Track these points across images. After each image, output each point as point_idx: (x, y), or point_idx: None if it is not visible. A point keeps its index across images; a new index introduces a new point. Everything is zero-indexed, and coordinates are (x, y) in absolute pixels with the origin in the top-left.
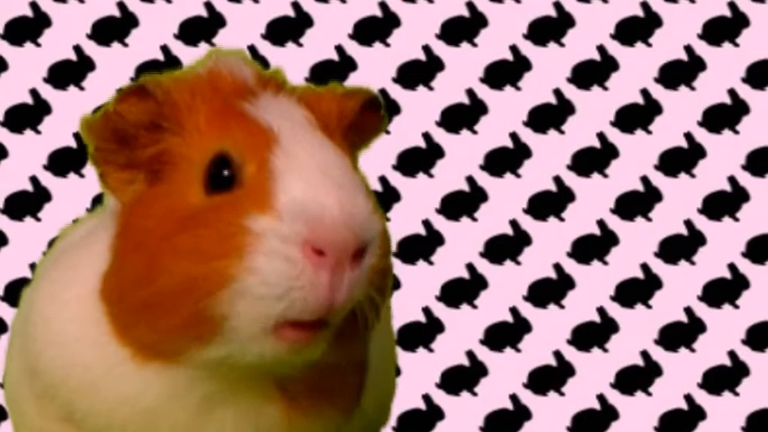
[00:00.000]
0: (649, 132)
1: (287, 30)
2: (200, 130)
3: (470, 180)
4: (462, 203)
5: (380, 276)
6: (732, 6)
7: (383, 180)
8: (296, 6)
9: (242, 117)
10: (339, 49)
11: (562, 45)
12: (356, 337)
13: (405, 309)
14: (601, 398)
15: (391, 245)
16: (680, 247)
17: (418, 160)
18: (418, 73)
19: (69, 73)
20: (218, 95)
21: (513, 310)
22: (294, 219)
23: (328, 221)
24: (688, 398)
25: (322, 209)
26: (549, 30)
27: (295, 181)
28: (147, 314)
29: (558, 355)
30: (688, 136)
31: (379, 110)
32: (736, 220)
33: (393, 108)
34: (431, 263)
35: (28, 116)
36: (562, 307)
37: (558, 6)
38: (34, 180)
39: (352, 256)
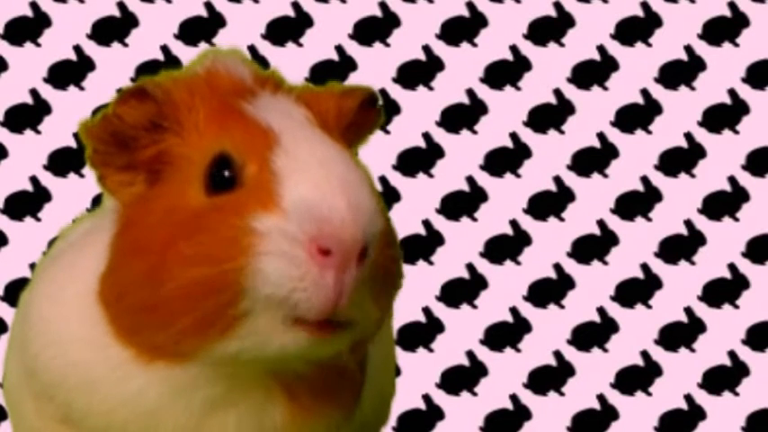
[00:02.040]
0: (649, 132)
1: (287, 30)
2: (199, 130)
3: (470, 180)
4: (462, 203)
5: (386, 270)
6: (732, 6)
7: (383, 180)
8: (296, 6)
9: (241, 117)
10: (339, 49)
11: (562, 45)
12: (368, 341)
13: (405, 309)
14: (601, 398)
15: (396, 236)
16: (680, 247)
17: (418, 160)
18: (418, 73)
19: (69, 73)
20: (216, 95)
21: (513, 310)
22: (302, 218)
23: (337, 220)
24: (688, 398)
25: (330, 208)
26: (549, 30)
27: (300, 180)
28: (152, 316)
29: (558, 355)
30: (688, 136)
31: (377, 107)
32: (736, 220)
33: (393, 108)
34: (431, 263)
35: (28, 116)
36: (562, 307)
37: (558, 6)
38: (34, 180)
39: (357, 255)
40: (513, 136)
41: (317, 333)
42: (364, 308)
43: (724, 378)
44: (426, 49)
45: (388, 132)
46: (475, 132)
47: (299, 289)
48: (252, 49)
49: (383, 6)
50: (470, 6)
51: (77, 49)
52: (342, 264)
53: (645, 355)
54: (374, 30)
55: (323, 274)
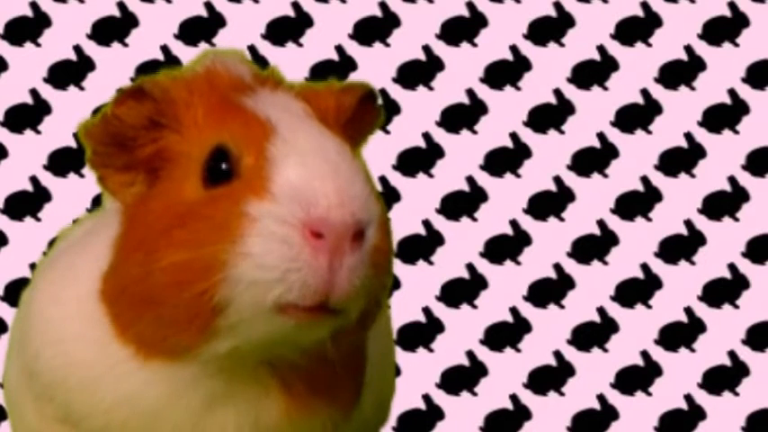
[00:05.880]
0: (649, 132)
1: (287, 30)
2: (197, 126)
3: (470, 180)
4: (462, 203)
5: (381, 259)
6: (732, 6)
7: (383, 180)
8: (296, 6)
9: (239, 110)
10: (339, 49)
11: (562, 45)
12: (355, 331)
13: (405, 309)
14: (601, 398)
15: (391, 228)
16: (680, 247)
17: (418, 160)
18: (418, 73)
19: (69, 73)
20: (215, 92)
21: (513, 310)
22: (290, 201)
23: (324, 203)
24: (688, 398)
25: (318, 191)
26: (549, 30)
27: (291, 165)
28: (147, 310)
29: (558, 355)
30: (688, 136)
31: (376, 104)
32: (736, 220)
33: (393, 108)
34: (431, 263)
35: (28, 116)
36: (562, 307)
37: (558, 6)
38: (34, 180)
39: (351, 239)
40: (513, 136)
41: (306, 317)
42: (356, 295)
43: (724, 378)
44: (426, 49)
45: (388, 132)
46: (475, 132)
47: (292, 270)
48: (252, 49)
49: (383, 6)
50: (470, 6)
51: (77, 49)
52: (334, 246)
53: (645, 355)
54: (374, 30)
55: (316, 256)
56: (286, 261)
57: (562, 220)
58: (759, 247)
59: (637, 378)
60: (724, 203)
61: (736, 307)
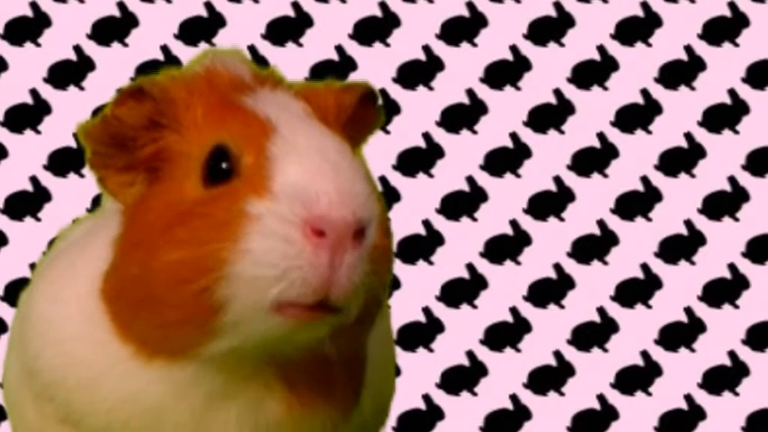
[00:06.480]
0: (649, 132)
1: (287, 30)
2: (197, 126)
3: (470, 180)
4: (462, 203)
5: (381, 257)
6: (732, 6)
7: (383, 180)
8: (296, 6)
9: (239, 110)
10: (339, 49)
11: (562, 45)
12: (355, 331)
13: (405, 309)
14: (601, 398)
15: (390, 227)
16: (680, 247)
17: (418, 160)
18: (418, 73)
19: (69, 73)
20: (215, 91)
21: (513, 310)
22: (292, 199)
23: (325, 201)
24: (688, 398)
25: (319, 189)
26: (549, 30)
27: (292, 164)
28: (147, 309)
29: (558, 355)
30: (688, 136)
31: (376, 104)
32: (736, 220)
33: (393, 108)
34: (431, 263)
35: (28, 116)
36: (562, 307)
37: (558, 6)
38: (34, 180)
39: (352, 237)
40: (513, 136)
41: (305, 316)
42: (356, 293)
43: (724, 378)
44: (426, 49)
45: (388, 132)
46: (475, 132)
47: (293, 267)
48: (252, 49)
49: (383, 6)
50: (470, 6)
51: (77, 49)
52: (336, 244)
53: (645, 355)
54: (374, 30)
55: (317, 253)
56: (287, 259)
57: (562, 220)
58: (759, 247)
59: (637, 378)
60: (724, 203)
61: (736, 307)
